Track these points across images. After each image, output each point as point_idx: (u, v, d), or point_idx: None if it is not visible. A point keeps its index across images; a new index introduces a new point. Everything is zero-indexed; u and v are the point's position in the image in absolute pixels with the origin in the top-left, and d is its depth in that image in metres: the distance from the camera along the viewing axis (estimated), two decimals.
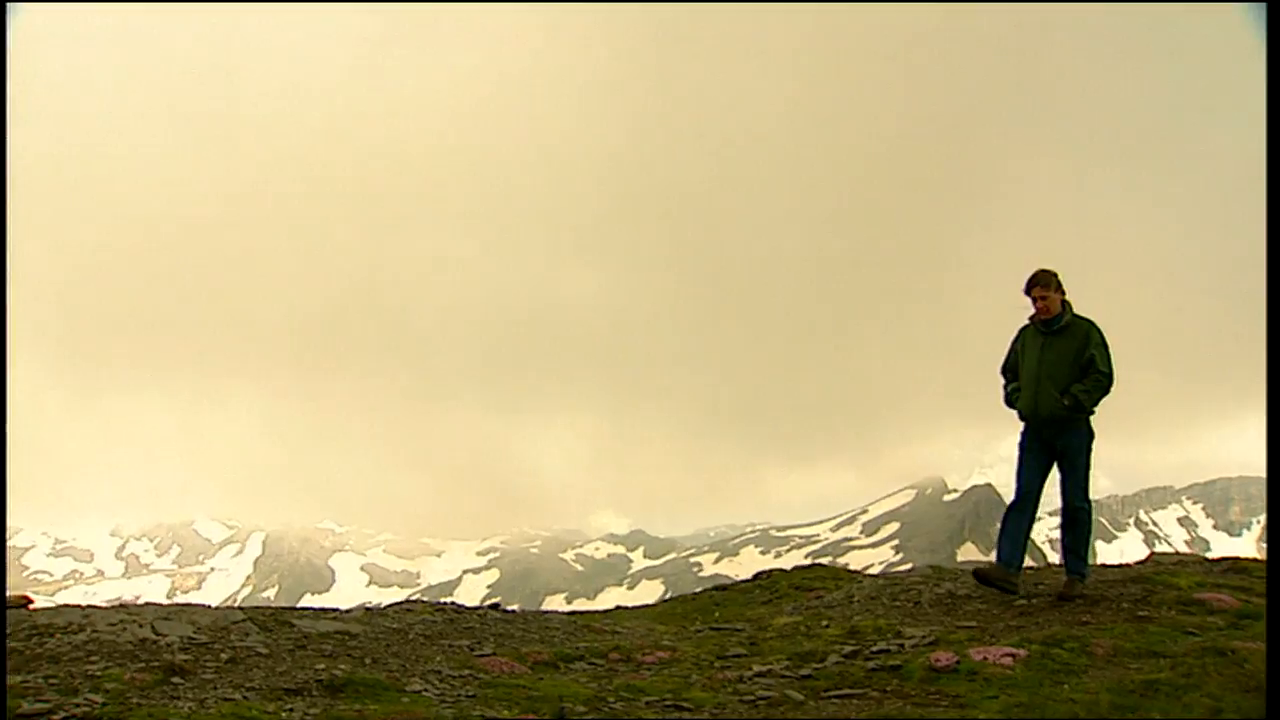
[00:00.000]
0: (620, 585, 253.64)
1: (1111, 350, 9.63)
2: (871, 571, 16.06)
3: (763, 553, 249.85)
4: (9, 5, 5.06)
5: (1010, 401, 10.11)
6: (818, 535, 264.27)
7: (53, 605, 9.41)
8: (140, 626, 7.97)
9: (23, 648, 7.25)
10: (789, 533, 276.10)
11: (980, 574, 10.00)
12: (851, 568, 17.92)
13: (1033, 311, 9.84)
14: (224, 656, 7.21)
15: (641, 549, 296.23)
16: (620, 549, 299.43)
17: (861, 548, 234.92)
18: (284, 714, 5.58)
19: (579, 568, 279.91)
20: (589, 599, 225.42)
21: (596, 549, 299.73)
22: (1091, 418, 9.71)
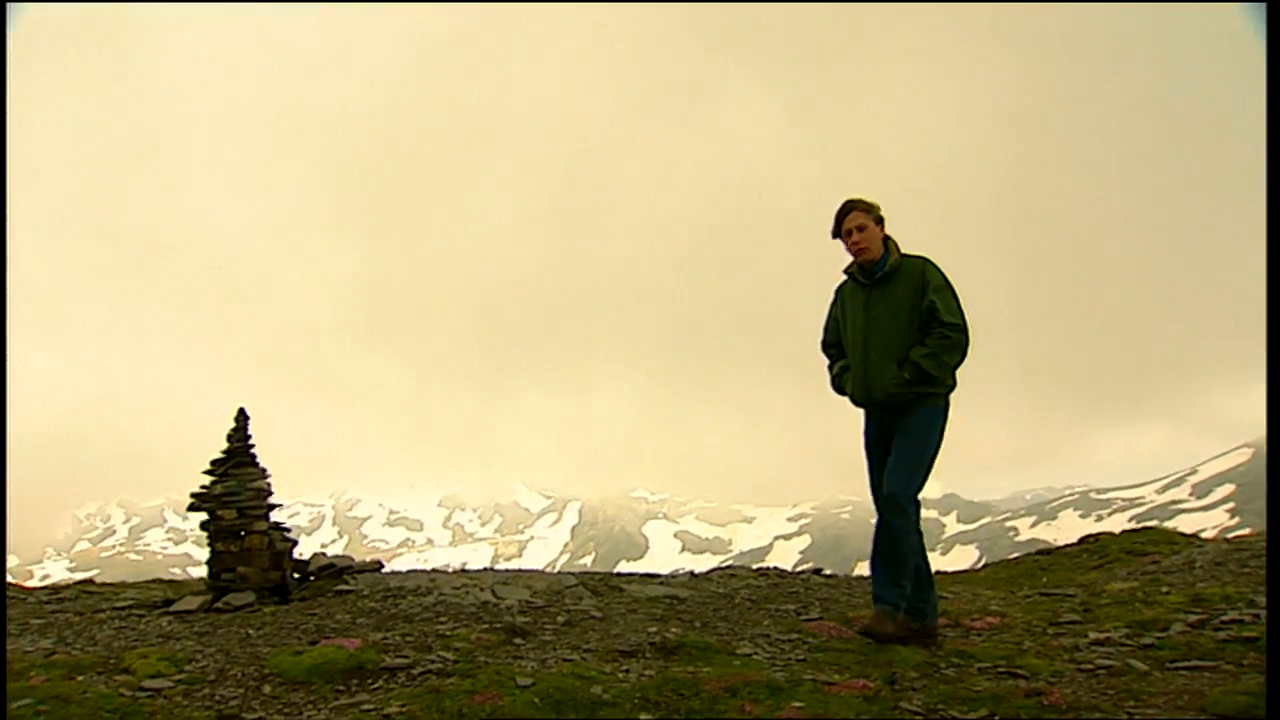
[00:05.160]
0: (933, 550, 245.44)
1: (960, 294, 6.92)
2: (1205, 536, 15.05)
3: (1082, 516, 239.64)
4: (9, 5, 5.36)
5: (839, 386, 7.38)
6: (1142, 498, 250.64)
7: (399, 571, 10.08)
8: (481, 590, 8.43)
9: (380, 608, 7.80)
10: (1110, 495, 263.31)
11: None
12: (1182, 532, 16.82)
13: (848, 261, 7.18)
14: (560, 619, 7.51)
15: (955, 513, 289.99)
16: (933, 513, 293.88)
17: (1191, 511, 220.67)
18: (620, 674, 5.74)
19: None
20: None
21: None
22: (950, 393, 7.01)
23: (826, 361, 7.56)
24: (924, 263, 6.93)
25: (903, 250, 7.05)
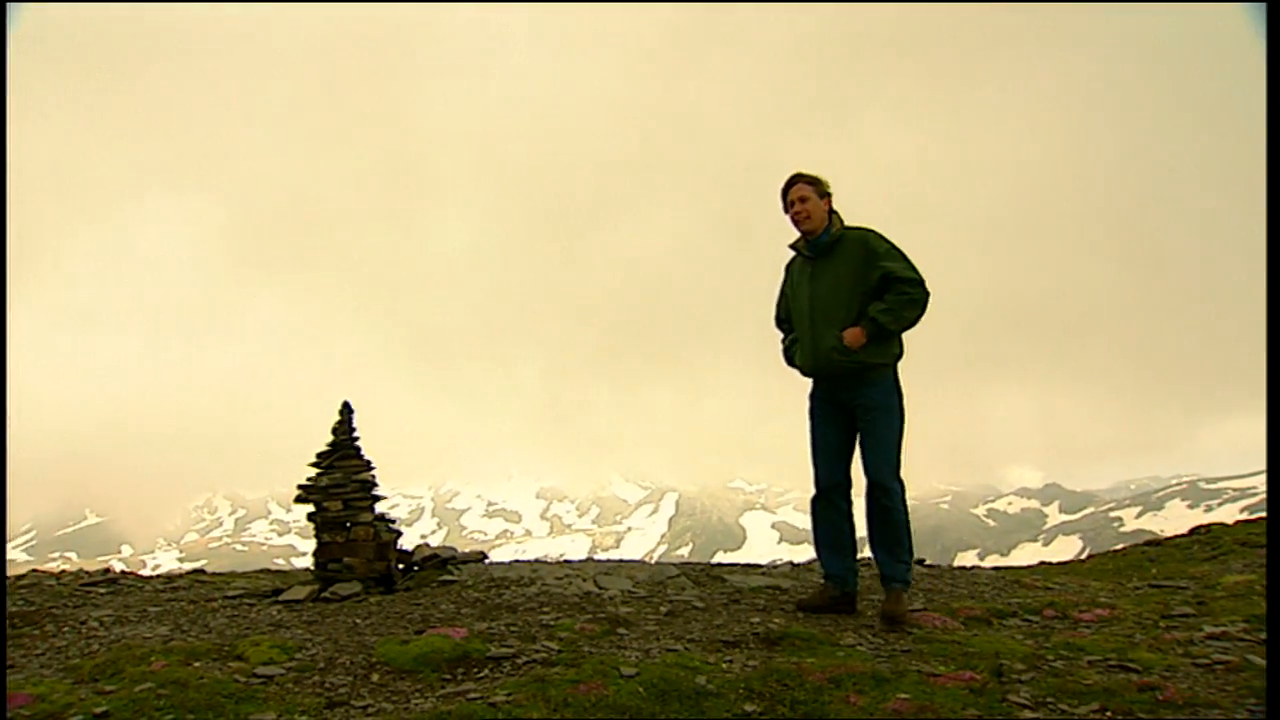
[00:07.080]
0: (1035, 541, 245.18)
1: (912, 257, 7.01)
2: None
3: (1190, 507, 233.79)
4: (9, 5, 5.40)
5: (790, 358, 7.61)
6: (1254, 488, 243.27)
7: (502, 562, 10.18)
8: (583, 581, 8.48)
9: (484, 598, 7.88)
10: (1220, 485, 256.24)
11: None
12: None
13: (795, 236, 7.44)
14: (663, 609, 7.52)
15: (1057, 503, 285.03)
16: (1034, 503, 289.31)
17: None
18: (724, 664, 5.73)
19: (991, 523, 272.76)
20: (1002, 555, 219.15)
21: (1009, 504, 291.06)
22: (898, 364, 7.18)
23: (780, 336, 7.78)
24: (866, 233, 7.08)
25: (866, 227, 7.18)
